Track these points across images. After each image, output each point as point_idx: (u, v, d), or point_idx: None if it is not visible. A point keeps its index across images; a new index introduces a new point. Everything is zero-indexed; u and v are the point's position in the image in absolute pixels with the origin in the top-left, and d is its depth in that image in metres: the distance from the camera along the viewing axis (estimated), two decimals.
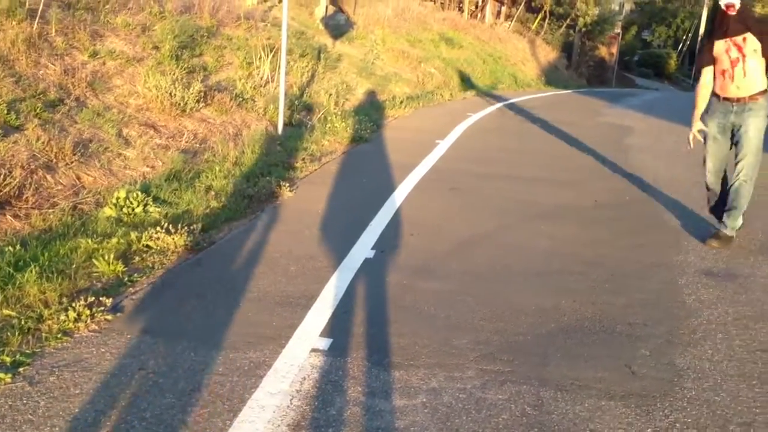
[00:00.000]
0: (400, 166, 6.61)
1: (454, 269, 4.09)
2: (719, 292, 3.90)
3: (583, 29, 30.90)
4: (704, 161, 4.90)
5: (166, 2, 8.69)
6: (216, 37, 8.84)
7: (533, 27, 30.95)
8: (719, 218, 4.89)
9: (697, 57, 4.55)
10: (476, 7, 30.47)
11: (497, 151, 8.06)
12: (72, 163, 5.03)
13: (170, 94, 6.46)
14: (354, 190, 5.78)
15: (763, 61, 4.55)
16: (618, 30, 33.19)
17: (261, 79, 8.57)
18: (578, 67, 32.02)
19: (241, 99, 7.72)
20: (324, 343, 3.05)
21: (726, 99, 4.63)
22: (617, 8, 33.25)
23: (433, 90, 13.76)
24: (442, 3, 28.36)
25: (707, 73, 4.76)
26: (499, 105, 13.30)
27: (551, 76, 25.98)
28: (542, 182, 6.46)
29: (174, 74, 6.85)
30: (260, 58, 8.67)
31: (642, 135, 9.80)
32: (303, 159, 6.46)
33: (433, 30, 19.53)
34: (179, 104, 6.52)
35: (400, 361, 2.93)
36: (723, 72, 4.63)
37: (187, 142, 6.22)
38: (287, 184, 5.51)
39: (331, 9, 15.79)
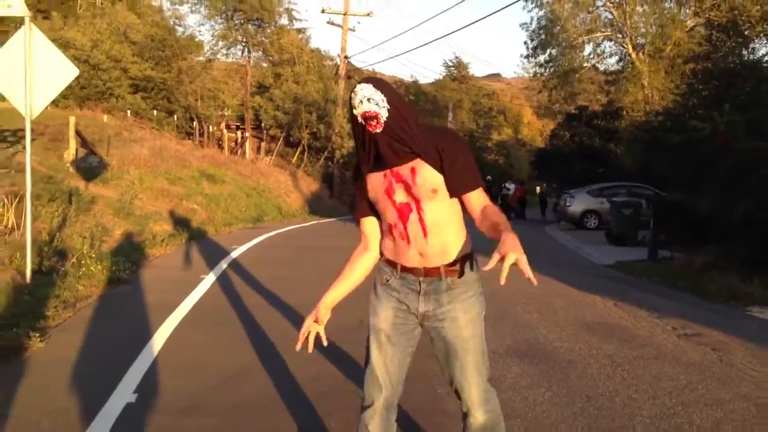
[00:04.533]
0: (163, 306, 6.48)
1: (222, 404, 4.06)
2: None
3: (341, 161, 32.93)
4: (364, 390, 2.65)
5: None
6: None
7: (294, 160, 32.39)
8: None
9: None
10: (236, 143, 31.33)
11: (264, 281, 8.21)
12: None
13: None
14: (112, 335, 5.55)
15: (453, 203, 2.41)
16: None
17: (5, 227, 8.05)
18: (340, 195, 33.80)
19: None
20: None
21: (407, 270, 2.47)
22: None
23: (197, 226, 13.73)
24: (201, 141, 28.77)
25: (369, 229, 2.60)
26: (265, 236, 13.61)
27: (315, 206, 27.12)
28: (309, 309, 6.65)
29: None
30: (4, 205, 8.19)
31: None
32: (55, 307, 6.10)
33: (193, 167, 19.72)
34: None
35: None
36: (391, 228, 2.47)
37: None
38: (37, 335, 5.16)
39: (82, 152, 15.41)
